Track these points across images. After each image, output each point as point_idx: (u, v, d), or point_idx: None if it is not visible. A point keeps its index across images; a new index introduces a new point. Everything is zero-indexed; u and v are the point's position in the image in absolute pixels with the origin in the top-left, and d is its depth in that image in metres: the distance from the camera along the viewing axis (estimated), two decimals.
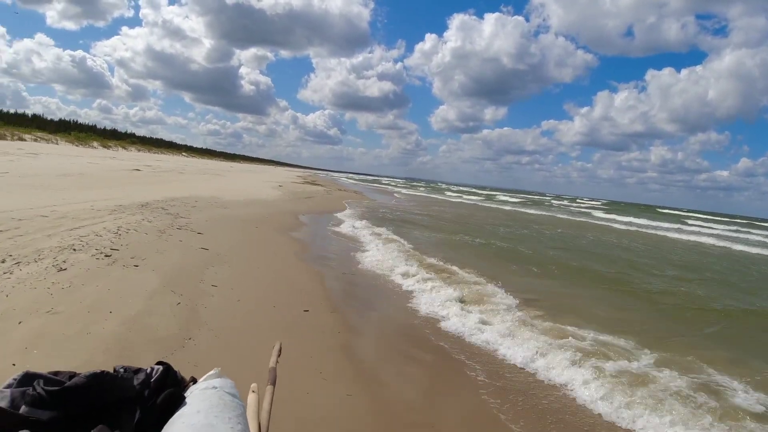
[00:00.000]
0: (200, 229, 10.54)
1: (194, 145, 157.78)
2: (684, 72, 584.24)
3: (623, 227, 33.79)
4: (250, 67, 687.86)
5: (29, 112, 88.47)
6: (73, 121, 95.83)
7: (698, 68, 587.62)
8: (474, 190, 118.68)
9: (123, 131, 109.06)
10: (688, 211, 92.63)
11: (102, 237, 8.10)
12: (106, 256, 7.02)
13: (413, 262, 10.65)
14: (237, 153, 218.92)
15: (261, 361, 2.39)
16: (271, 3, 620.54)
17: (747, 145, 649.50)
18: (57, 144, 64.13)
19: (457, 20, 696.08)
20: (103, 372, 1.27)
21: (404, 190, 67.99)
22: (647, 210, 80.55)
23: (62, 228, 8.30)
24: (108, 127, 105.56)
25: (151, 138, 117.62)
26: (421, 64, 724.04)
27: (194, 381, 1.55)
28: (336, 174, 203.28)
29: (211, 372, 1.56)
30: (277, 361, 2.06)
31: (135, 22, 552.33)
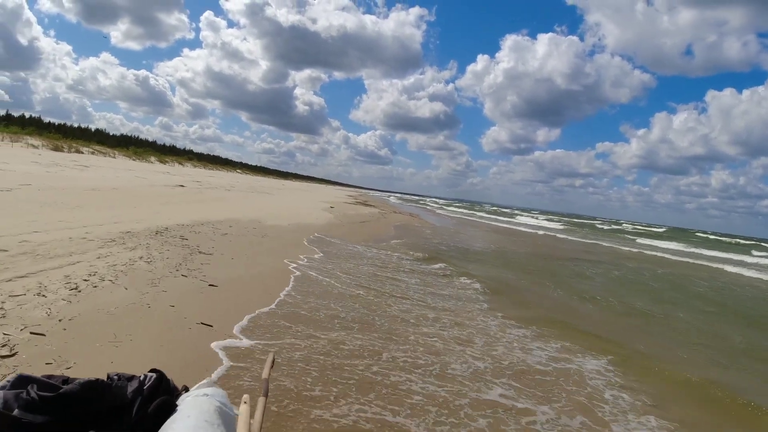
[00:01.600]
0: (218, 274, 7.36)
1: (249, 163, 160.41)
2: (746, 93, 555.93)
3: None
4: (304, 87, 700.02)
5: (93, 126, 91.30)
6: (135, 136, 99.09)
7: (760, 89, 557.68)
8: (538, 215, 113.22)
9: (182, 148, 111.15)
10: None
11: (39, 300, 4.98)
12: None
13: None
14: (290, 171, 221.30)
15: None
16: (326, 25, 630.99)
17: None
18: (114, 158, 65.14)
19: (509, 41, 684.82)
20: (97, 380, 1.29)
21: (458, 210, 64.30)
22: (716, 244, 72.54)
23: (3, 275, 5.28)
24: (168, 144, 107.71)
25: (208, 155, 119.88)
26: (473, 84, 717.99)
27: (186, 390, 1.55)
28: (385, 193, 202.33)
29: (203, 381, 1.57)
30: (269, 373, 2.06)
31: (196, 43, 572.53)
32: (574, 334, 7.43)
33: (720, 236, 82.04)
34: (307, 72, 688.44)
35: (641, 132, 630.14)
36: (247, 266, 8.49)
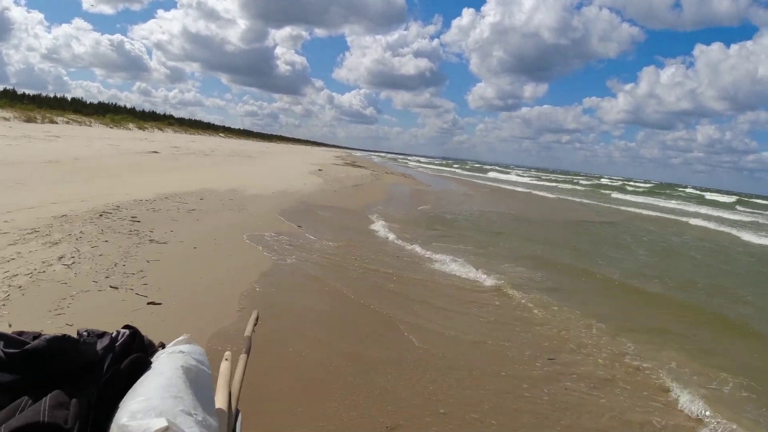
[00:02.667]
0: (167, 279, 5.23)
1: (232, 126, 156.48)
2: (734, 47, 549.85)
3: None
4: (285, 46, 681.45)
5: (71, 96, 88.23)
6: (113, 103, 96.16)
7: (749, 43, 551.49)
8: (527, 171, 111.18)
9: (162, 113, 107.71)
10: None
11: None
12: None
13: None
14: (274, 134, 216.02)
15: None
16: None
17: None
18: (90, 126, 62.66)
19: None
20: (64, 336, 1.17)
21: (453, 170, 62.11)
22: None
23: None
24: (147, 110, 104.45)
25: (189, 119, 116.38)
26: (459, 40, 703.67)
27: (163, 346, 1.44)
28: (371, 153, 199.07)
29: (180, 338, 1.44)
30: (253, 330, 2.01)
31: (170, 4, 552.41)
32: None
33: (703, 191, 79.84)
34: (287, 30, 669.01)
35: (628, 87, 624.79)
36: (212, 260, 6.36)
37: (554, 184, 55.68)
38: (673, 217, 24.87)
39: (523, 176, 68.44)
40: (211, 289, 5.22)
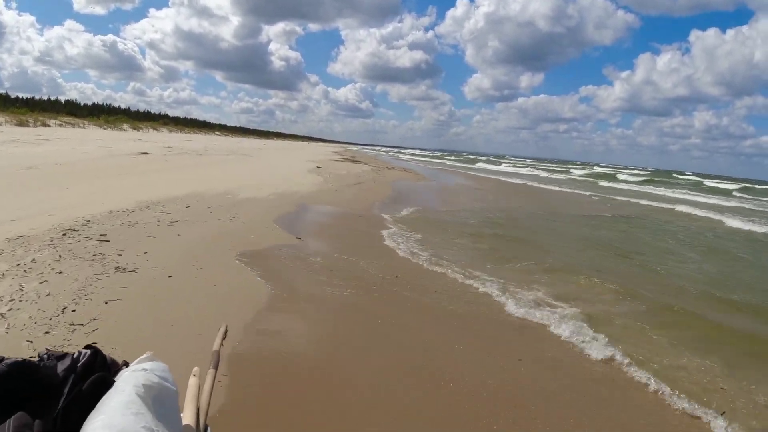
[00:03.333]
0: (130, 328, 4.07)
1: (228, 124, 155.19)
2: (730, 32, 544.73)
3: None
4: (279, 42, 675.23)
5: (65, 98, 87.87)
6: (107, 104, 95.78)
7: (744, 28, 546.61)
8: (535, 163, 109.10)
9: (157, 113, 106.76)
10: None
11: None
12: None
13: None
14: (270, 130, 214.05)
15: None
16: None
17: None
18: (83, 128, 61.90)
19: None
20: (24, 360, 1.22)
21: (452, 165, 60.82)
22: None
23: None
24: (142, 110, 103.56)
25: (184, 118, 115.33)
26: (453, 31, 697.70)
27: (127, 365, 1.44)
28: (368, 147, 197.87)
29: (143, 356, 1.44)
30: (221, 344, 1.98)
31: (162, 2, 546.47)
32: None
33: (703, 177, 77.90)
34: (280, 25, 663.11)
35: (625, 74, 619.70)
36: (191, 293, 5.12)
37: (550, 174, 54.00)
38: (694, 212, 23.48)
39: (519, 167, 66.60)
40: (186, 343, 3.93)
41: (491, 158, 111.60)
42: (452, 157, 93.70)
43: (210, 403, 1.60)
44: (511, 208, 17.60)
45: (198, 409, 1.56)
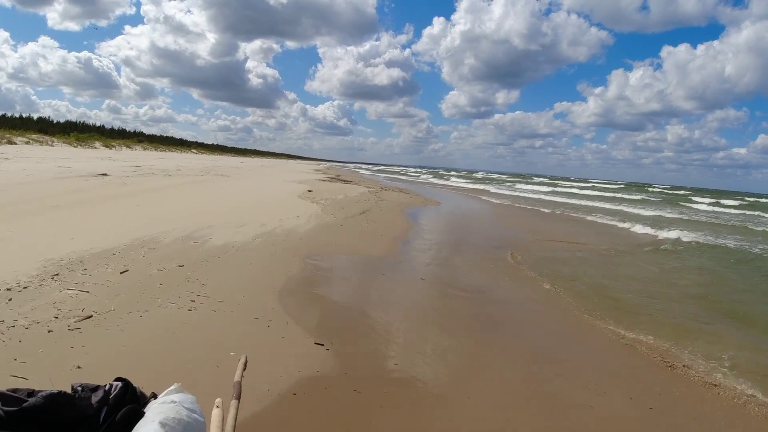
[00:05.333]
0: None
1: (205, 142, 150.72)
2: (701, 47, 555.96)
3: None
4: (256, 60, 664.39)
5: (38, 115, 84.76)
6: (81, 122, 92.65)
7: (715, 43, 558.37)
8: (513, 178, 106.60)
9: (132, 131, 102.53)
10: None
11: None
12: None
13: None
14: (248, 148, 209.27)
15: None
16: None
17: (766, 121, 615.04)
18: (52, 146, 57.92)
19: (465, 2, 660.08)
20: (60, 392, 1.23)
21: (458, 182, 57.28)
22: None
23: None
24: (118, 128, 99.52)
25: (160, 136, 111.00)
26: (430, 49, 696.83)
27: (155, 396, 1.47)
28: (350, 165, 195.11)
29: (172, 387, 1.47)
30: (242, 375, 1.96)
31: (137, 19, 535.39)
32: None
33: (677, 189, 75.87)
34: (258, 43, 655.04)
35: (598, 90, 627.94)
36: None
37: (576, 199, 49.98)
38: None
39: (533, 185, 61.30)
40: None
41: (455, 173, 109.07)
42: (426, 173, 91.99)
43: None
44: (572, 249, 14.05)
45: None
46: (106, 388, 1.36)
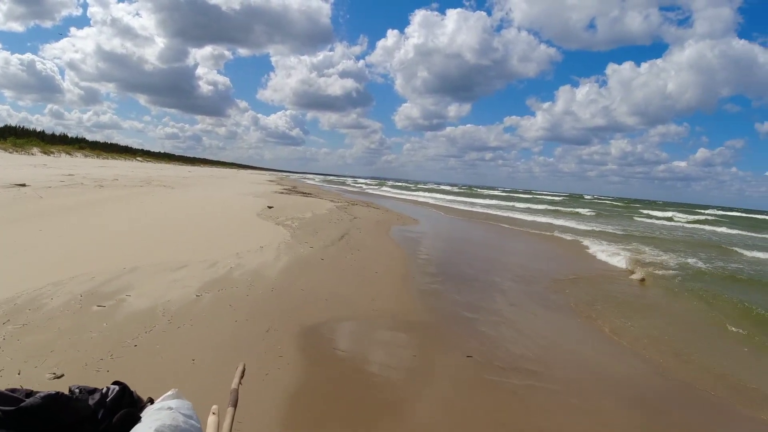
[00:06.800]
0: None
1: (152, 149, 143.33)
2: (644, 65, 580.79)
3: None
4: (206, 66, 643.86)
5: None
6: (20, 127, 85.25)
7: (658, 61, 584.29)
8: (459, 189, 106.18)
9: (74, 137, 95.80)
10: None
11: None
12: None
13: None
14: (197, 156, 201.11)
15: None
16: None
17: (705, 136, 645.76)
18: None
19: (419, 16, 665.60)
20: (58, 393, 1.20)
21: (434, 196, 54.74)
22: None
23: None
24: (59, 133, 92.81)
25: (103, 143, 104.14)
26: (384, 61, 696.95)
27: (151, 401, 1.42)
28: (301, 175, 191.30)
29: (169, 393, 1.41)
30: (240, 383, 1.91)
31: (84, 21, 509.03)
32: None
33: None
34: (208, 49, 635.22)
35: (546, 105, 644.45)
36: None
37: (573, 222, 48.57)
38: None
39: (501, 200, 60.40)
40: None
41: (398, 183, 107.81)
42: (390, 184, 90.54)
43: None
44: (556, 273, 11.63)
45: None
46: (104, 391, 1.32)
